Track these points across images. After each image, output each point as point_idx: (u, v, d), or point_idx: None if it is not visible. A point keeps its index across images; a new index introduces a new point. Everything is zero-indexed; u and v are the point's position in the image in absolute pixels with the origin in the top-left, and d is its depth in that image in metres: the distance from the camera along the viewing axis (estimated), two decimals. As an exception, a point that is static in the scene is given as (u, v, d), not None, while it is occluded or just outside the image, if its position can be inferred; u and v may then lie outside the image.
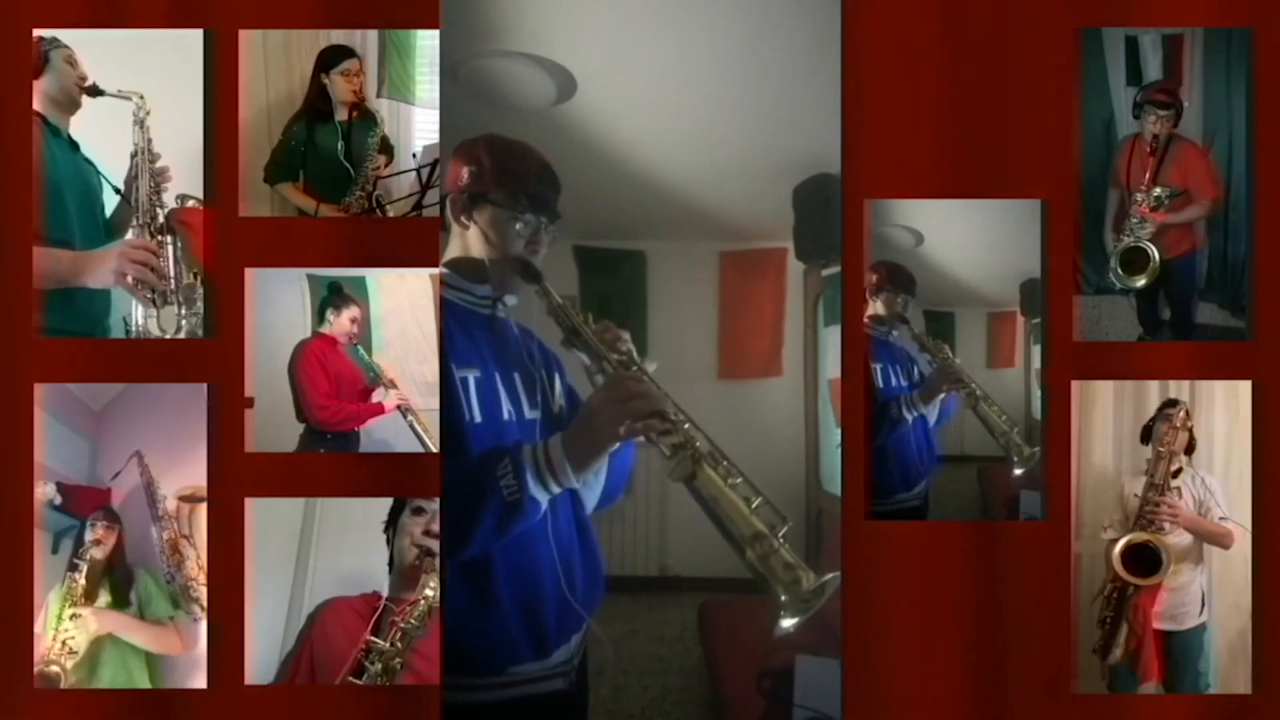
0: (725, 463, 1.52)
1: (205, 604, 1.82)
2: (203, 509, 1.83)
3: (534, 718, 1.59)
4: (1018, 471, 1.91)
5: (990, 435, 1.94)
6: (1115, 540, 1.87)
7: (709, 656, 1.96)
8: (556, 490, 1.48)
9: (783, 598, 1.48)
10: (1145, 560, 1.85)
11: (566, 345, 1.60)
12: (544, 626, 1.57)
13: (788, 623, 1.48)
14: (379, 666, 1.75)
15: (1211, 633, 1.87)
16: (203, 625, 1.83)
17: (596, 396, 1.49)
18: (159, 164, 1.83)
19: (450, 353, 1.55)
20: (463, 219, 1.61)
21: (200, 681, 1.82)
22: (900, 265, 1.91)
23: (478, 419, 1.54)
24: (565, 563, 1.59)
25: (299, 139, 1.89)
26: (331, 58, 1.89)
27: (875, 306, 1.91)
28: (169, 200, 1.84)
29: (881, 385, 1.91)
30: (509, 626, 1.54)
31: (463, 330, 1.59)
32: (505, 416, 1.58)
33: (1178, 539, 1.86)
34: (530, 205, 1.61)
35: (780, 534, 1.49)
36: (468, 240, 1.62)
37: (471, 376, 1.55)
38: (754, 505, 1.51)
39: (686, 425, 1.51)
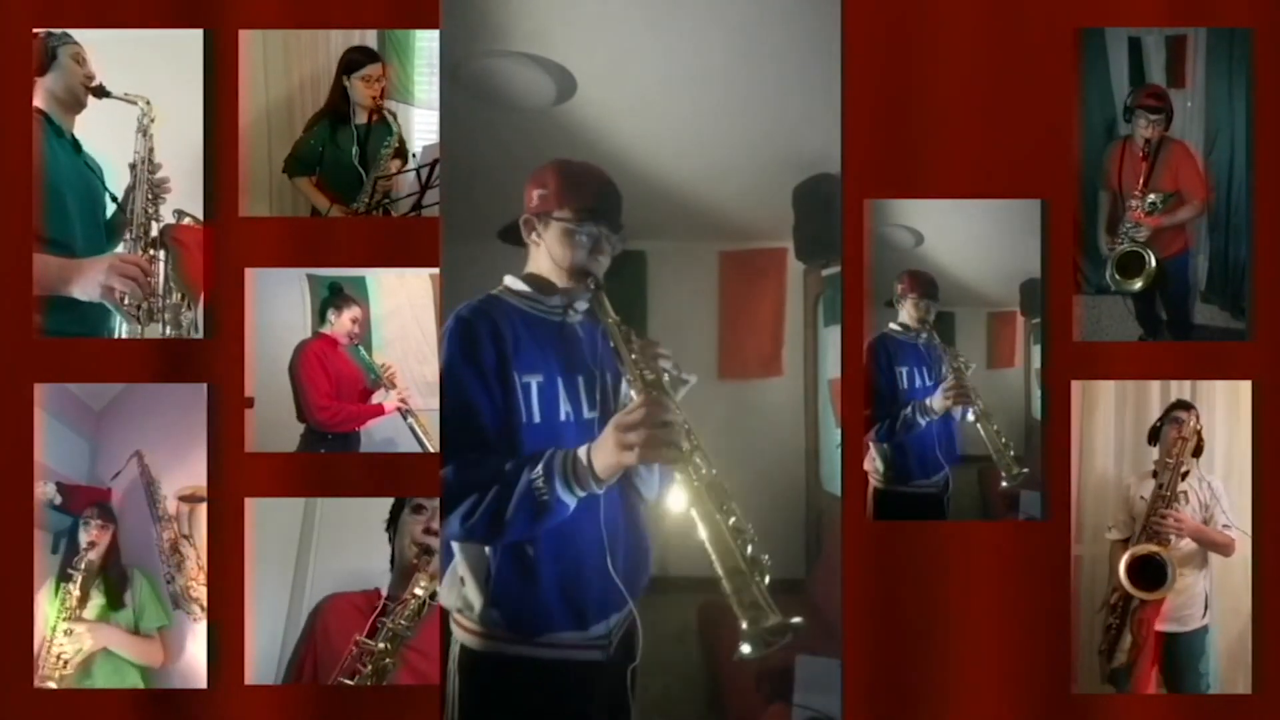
0: (724, 497, 1.55)
1: (205, 604, 1.82)
2: (203, 509, 1.83)
3: (567, 680, 1.68)
4: (1004, 485, 1.92)
5: (986, 449, 1.95)
6: (1120, 541, 1.87)
7: (709, 656, 1.96)
8: (583, 495, 1.56)
9: (744, 625, 1.50)
10: (1151, 571, 1.85)
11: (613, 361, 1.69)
12: (582, 602, 1.67)
13: (746, 649, 1.50)
14: (370, 668, 1.76)
15: (1213, 635, 1.87)
16: (188, 635, 1.83)
17: (619, 418, 1.54)
18: (159, 174, 1.83)
19: (514, 360, 1.63)
20: (533, 237, 1.70)
21: (197, 682, 1.83)
22: (923, 271, 1.93)
23: (536, 420, 1.63)
24: (612, 544, 1.68)
25: (320, 138, 1.91)
26: (354, 61, 1.90)
27: (903, 314, 1.93)
28: (166, 213, 1.84)
29: (906, 387, 1.94)
30: (548, 598, 1.65)
31: (532, 337, 1.67)
32: (562, 417, 1.67)
33: (1183, 545, 1.87)
34: (591, 217, 1.69)
35: (758, 574, 1.52)
36: (539, 256, 1.71)
37: (534, 382, 1.65)
38: (742, 542, 1.53)
39: (697, 456, 1.55)
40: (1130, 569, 1.85)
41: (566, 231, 1.68)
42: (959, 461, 1.97)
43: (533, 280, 1.72)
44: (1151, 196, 1.89)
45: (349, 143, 1.92)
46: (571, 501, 1.57)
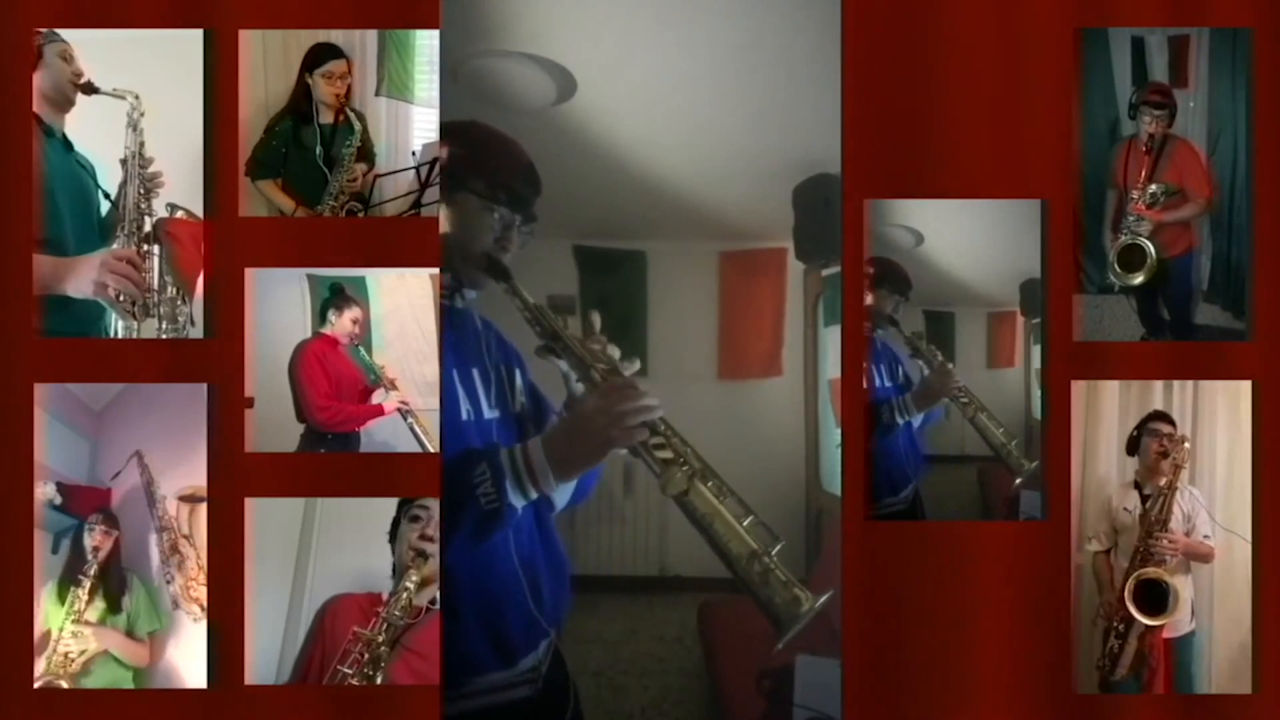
0: (717, 480, 1.48)
1: (205, 604, 1.83)
2: (203, 509, 1.83)
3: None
4: (1018, 481, 1.90)
5: (985, 447, 1.94)
6: (1102, 553, 1.87)
7: (709, 656, 1.96)
8: (535, 496, 1.43)
9: (781, 617, 1.45)
10: (1154, 595, 1.85)
11: (544, 352, 1.54)
12: (508, 637, 1.53)
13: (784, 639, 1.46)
14: (366, 657, 1.76)
15: (1201, 640, 1.86)
16: (170, 638, 1.84)
17: (588, 404, 1.43)
18: (151, 169, 1.82)
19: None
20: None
21: (180, 681, 1.83)
22: (896, 264, 1.89)
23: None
24: (529, 571, 1.53)
25: (282, 138, 1.88)
26: (316, 57, 1.87)
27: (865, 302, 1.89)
28: (159, 208, 1.83)
29: (866, 385, 1.89)
30: (470, 640, 1.51)
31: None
32: (464, 416, 1.52)
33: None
34: (507, 200, 1.55)
35: (774, 552, 1.46)
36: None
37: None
38: (746, 524, 1.47)
39: (676, 439, 1.47)
40: (1134, 594, 1.85)
41: (475, 207, 1.53)
42: (930, 466, 1.95)
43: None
44: (1152, 188, 1.89)
45: (313, 143, 1.89)
46: (520, 505, 1.42)
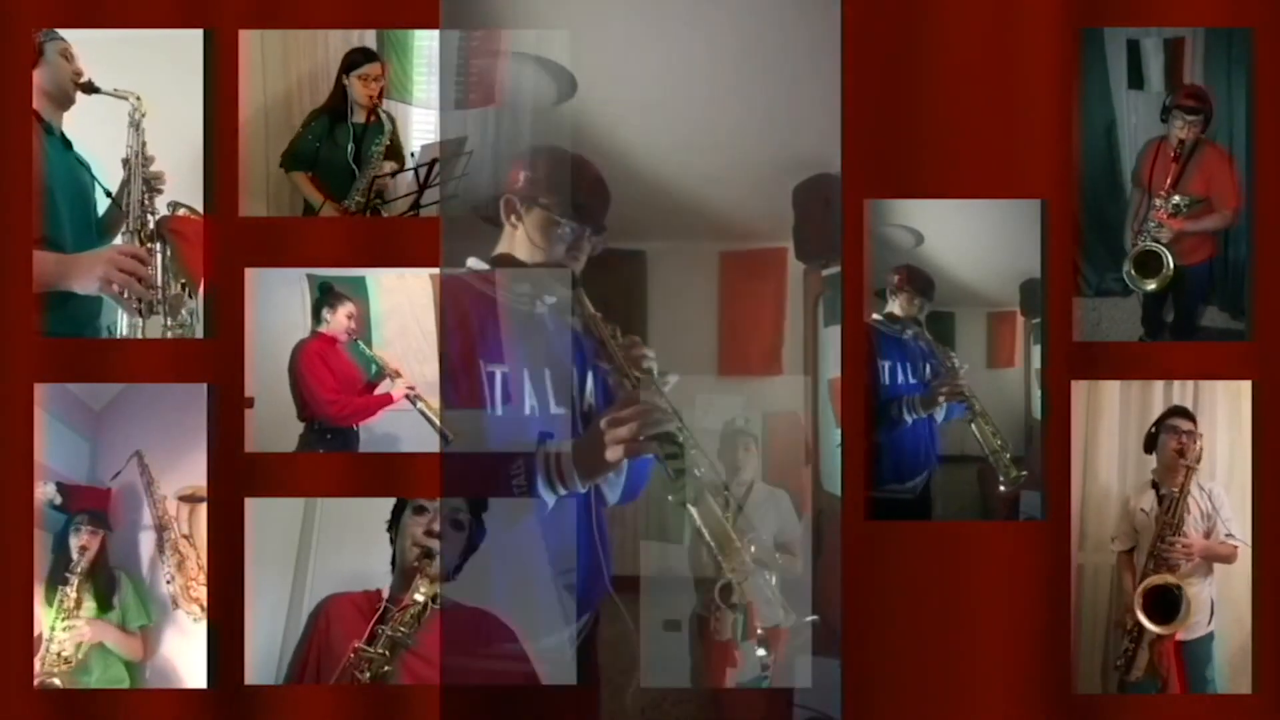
0: (727, 493, 1.56)
1: (205, 604, 1.82)
2: (202, 509, 1.83)
3: (517, 694, 1.63)
4: (1003, 489, 1.91)
5: (982, 450, 1.94)
6: (1124, 552, 1.87)
7: (709, 656, 1.96)
8: (564, 493, 1.54)
9: (759, 631, 1.53)
10: (1165, 602, 1.84)
11: (595, 356, 1.65)
12: (532, 612, 1.62)
13: (761, 653, 1.54)
14: (368, 675, 1.74)
15: (1218, 641, 1.85)
16: (164, 632, 1.84)
17: (609, 412, 1.52)
18: (153, 168, 1.82)
19: (480, 347, 1.61)
20: (513, 219, 1.68)
21: (175, 676, 1.83)
22: (922, 270, 1.92)
23: (499, 412, 1.59)
24: (562, 556, 1.62)
25: (317, 134, 1.91)
26: (354, 60, 1.90)
27: (893, 305, 1.92)
28: (161, 206, 1.83)
29: (887, 383, 1.91)
30: (495, 607, 1.62)
31: (497, 326, 1.64)
32: (527, 411, 1.62)
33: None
34: (575, 214, 1.67)
35: (769, 572, 1.55)
36: (515, 240, 1.68)
37: (499, 371, 1.61)
38: (748, 539, 1.54)
39: (694, 451, 1.53)
40: (1144, 600, 1.84)
41: (549, 221, 1.66)
42: (939, 463, 1.95)
43: (501, 263, 1.69)
44: (1176, 198, 1.88)
45: (345, 141, 1.92)
46: (551, 500, 1.55)
